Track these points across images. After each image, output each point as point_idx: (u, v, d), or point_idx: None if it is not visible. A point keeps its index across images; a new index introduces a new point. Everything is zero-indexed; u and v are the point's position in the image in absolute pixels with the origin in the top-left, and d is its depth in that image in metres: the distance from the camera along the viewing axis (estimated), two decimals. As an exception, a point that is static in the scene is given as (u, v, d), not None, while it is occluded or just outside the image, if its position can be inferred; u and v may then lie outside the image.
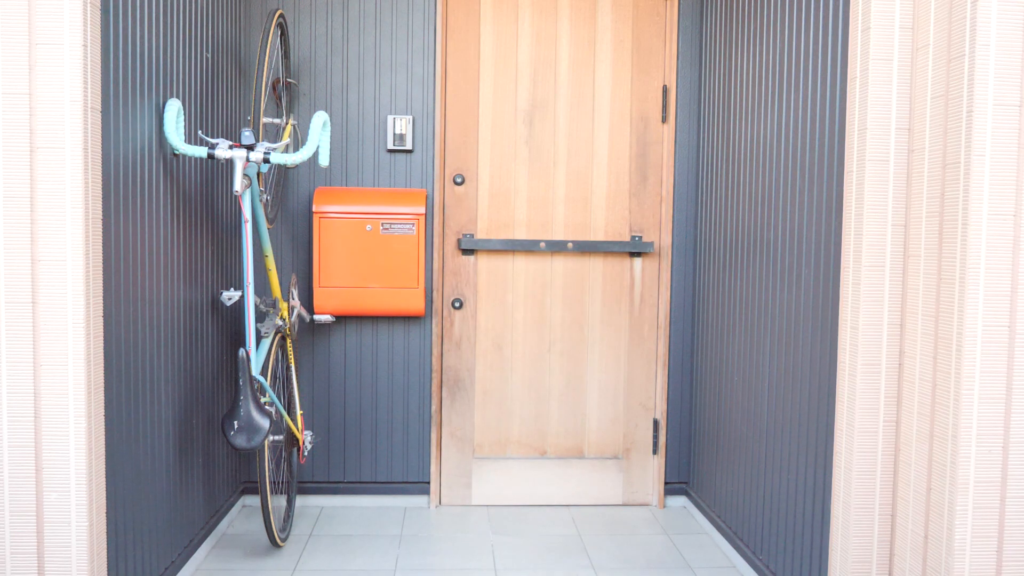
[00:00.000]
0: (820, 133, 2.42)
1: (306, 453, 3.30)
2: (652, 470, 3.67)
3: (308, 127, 3.22)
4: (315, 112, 3.29)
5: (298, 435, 3.23)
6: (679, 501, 3.69)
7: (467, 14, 3.54)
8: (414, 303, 3.39)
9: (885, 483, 2.12)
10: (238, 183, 2.58)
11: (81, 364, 1.93)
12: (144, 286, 2.37)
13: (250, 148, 2.61)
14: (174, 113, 2.50)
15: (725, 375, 3.21)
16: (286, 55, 3.31)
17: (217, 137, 3.05)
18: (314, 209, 3.35)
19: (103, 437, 2.04)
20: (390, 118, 3.48)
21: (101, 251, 2.03)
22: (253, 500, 3.54)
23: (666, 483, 3.67)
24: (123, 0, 2.18)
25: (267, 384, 2.79)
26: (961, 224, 1.85)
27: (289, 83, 3.35)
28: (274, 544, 2.98)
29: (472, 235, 3.56)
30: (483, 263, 3.57)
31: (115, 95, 2.14)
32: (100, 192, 2.02)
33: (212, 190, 3.03)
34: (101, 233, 2.03)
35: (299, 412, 3.32)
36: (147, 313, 2.39)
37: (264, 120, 3.00)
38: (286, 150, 3.01)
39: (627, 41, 3.59)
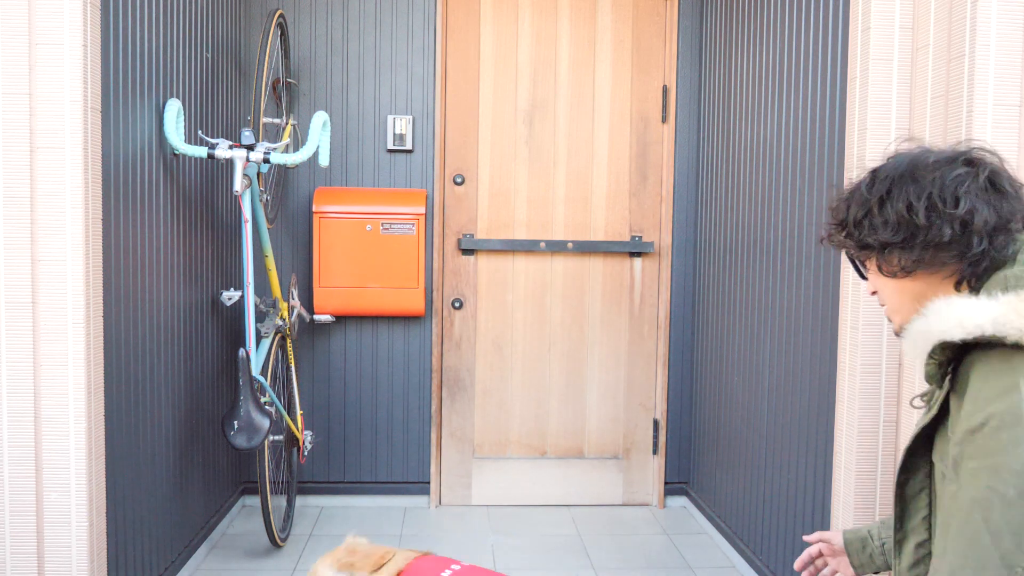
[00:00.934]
0: (820, 133, 2.42)
1: (306, 453, 3.30)
2: (652, 470, 3.67)
3: (308, 127, 3.22)
4: (315, 112, 3.29)
5: (298, 435, 3.23)
6: (679, 501, 3.69)
7: (467, 14, 3.54)
8: (414, 303, 3.39)
9: (885, 483, 2.12)
10: (238, 183, 2.58)
11: (81, 364, 1.93)
12: (144, 286, 2.37)
13: (250, 148, 2.61)
14: (174, 113, 2.50)
15: (725, 375, 3.21)
16: (286, 55, 3.31)
17: (217, 137, 3.05)
18: (314, 209, 3.35)
19: (103, 437, 2.04)
20: (390, 118, 3.48)
21: (101, 251, 2.03)
22: (253, 500, 3.54)
23: (666, 483, 3.67)
24: (123, 0, 2.18)
25: (267, 384, 2.79)
26: (961, 224, 1.85)
27: (289, 83, 3.35)
28: (274, 544, 2.98)
29: (472, 235, 3.56)
30: (483, 263, 3.57)
31: (115, 95, 2.14)
32: (100, 192, 2.02)
33: (212, 190, 3.03)
34: (101, 233, 2.03)
35: (299, 412, 3.32)
36: (147, 313, 2.39)
37: (264, 120, 3.00)
38: (286, 150, 3.01)
39: (627, 41, 3.59)
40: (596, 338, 3.62)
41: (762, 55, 2.88)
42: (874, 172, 1.31)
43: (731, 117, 3.18)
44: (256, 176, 2.78)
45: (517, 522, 3.44)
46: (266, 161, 2.62)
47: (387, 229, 3.35)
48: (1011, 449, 1.05)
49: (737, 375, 3.07)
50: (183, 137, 2.57)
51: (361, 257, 3.35)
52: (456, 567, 1.76)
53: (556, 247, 3.57)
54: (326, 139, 2.71)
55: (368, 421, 3.55)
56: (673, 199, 3.60)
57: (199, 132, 2.84)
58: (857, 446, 2.12)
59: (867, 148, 2.08)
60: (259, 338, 2.95)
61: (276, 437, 3.06)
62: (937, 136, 1.94)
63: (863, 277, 1.38)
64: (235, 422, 2.58)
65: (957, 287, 1.25)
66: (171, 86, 2.58)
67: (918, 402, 1.36)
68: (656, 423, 3.66)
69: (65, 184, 1.91)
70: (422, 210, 3.35)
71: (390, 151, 3.50)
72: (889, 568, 1.51)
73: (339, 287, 3.36)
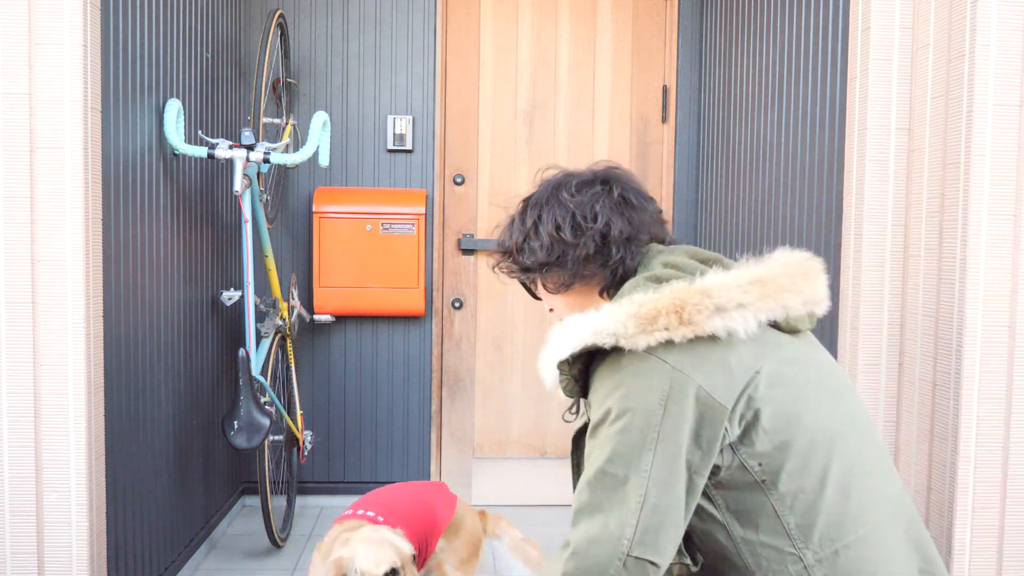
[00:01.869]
0: (820, 133, 2.42)
1: (306, 453, 3.30)
2: (652, 470, 3.67)
3: (308, 127, 3.22)
4: (315, 112, 3.29)
5: (298, 435, 3.23)
6: (679, 501, 3.68)
7: (467, 14, 3.54)
8: (414, 303, 3.39)
9: (885, 483, 2.12)
10: (238, 183, 2.57)
11: (81, 364, 1.93)
12: (144, 286, 2.37)
13: (250, 148, 2.61)
14: (174, 113, 2.50)
15: (725, 375, 3.20)
16: (286, 55, 3.31)
17: (217, 137, 3.05)
18: (314, 209, 3.34)
19: (103, 437, 2.04)
20: (390, 118, 3.48)
21: (101, 251, 2.03)
22: (253, 500, 3.54)
23: (666, 483, 3.67)
24: (123, 0, 2.18)
25: (267, 384, 2.79)
26: (961, 224, 1.85)
27: (289, 83, 3.35)
28: (274, 544, 2.98)
29: (472, 235, 3.56)
30: (483, 263, 3.57)
31: (115, 95, 2.14)
32: (100, 192, 2.02)
33: (212, 190, 3.03)
34: (101, 233, 2.03)
35: (299, 412, 3.32)
36: (147, 313, 2.39)
37: (264, 120, 3.00)
38: (286, 150, 3.01)
39: (627, 41, 3.59)
40: (596, 338, 3.62)
41: (762, 55, 2.88)
42: (526, 201, 1.45)
43: (731, 117, 3.18)
44: (256, 176, 2.78)
45: (517, 522, 3.43)
46: (266, 161, 2.62)
47: (387, 229, 3.35)
48: (619, 436, 1.22)
49: (737, 375, 3.07)
50: (183, 137, 2.57)
51: (361, 257, 3.34)
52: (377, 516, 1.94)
53: (556, 247, 3.56)
54: (326, 139, 2.71)
55: (368, 421, 3.55)
56: (673, 199, 3.60)
57: (199, 132, 2.84)
58: (857, 446, 2.12)
59: (867, 148, 2.08)
60: (259, 338, 2.95)
61: (276, 437, 3.06)
62: (937, 136, 1.94)
63: (536, 298, 1.51)
64: (235, 422, 2.58)
65: (601, 296, 1.40)
66: (171, 86, 2.58)
67: (568, 416, 1.54)
68: (656, 423, 3.65)
69: (65, 184, 1.91)
70: (422, 210, 3.35)
71: (390, 151, 3.50)
72: None
73: (339, 287, 3.36)
